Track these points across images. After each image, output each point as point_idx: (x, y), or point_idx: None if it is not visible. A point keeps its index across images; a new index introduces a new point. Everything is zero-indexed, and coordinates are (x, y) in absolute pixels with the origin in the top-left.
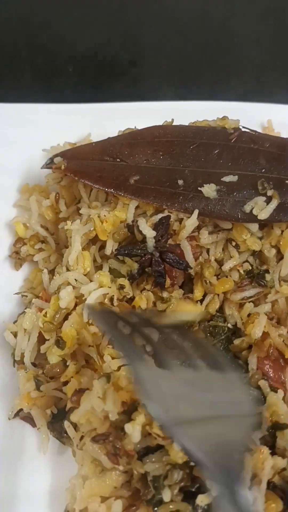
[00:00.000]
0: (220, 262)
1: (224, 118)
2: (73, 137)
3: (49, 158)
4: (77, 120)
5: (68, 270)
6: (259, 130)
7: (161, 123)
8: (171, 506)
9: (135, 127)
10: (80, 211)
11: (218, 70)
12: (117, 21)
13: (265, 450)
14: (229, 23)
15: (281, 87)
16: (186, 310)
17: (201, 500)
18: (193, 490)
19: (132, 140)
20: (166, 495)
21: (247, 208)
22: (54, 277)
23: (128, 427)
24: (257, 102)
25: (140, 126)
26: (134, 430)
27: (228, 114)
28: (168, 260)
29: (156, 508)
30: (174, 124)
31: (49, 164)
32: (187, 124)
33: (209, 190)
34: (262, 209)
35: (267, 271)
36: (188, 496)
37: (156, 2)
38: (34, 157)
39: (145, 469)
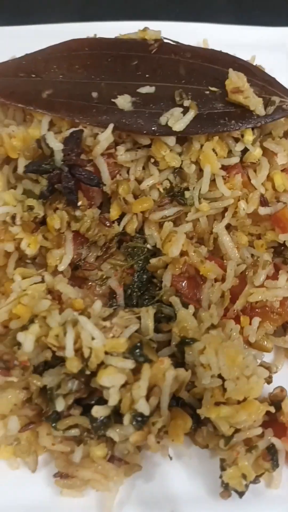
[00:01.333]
0: (140, 181)
1: (145, 29)
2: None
3: None
4: (4, 42)
5: None
6: None
7: None
8: (67, 421)
9: None
10: None
11: None
12: None
13: (166, 360)
14: None
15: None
16: None
17: (96, 411)
18: (92, 403)
19: (48, 55)
20: (60, 405)
21: (162, 120)
22: None
23: (20, 335)
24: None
25: None
26: (26, 339)
27: (166, 34)
28: (77, 175)
29: (54, 424)
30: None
31: None
32: None
33: (123, 101)
34: (178, 120)
35: (187, 188)
36: (87, 411)
37: None
38: None
39: (42, 382)
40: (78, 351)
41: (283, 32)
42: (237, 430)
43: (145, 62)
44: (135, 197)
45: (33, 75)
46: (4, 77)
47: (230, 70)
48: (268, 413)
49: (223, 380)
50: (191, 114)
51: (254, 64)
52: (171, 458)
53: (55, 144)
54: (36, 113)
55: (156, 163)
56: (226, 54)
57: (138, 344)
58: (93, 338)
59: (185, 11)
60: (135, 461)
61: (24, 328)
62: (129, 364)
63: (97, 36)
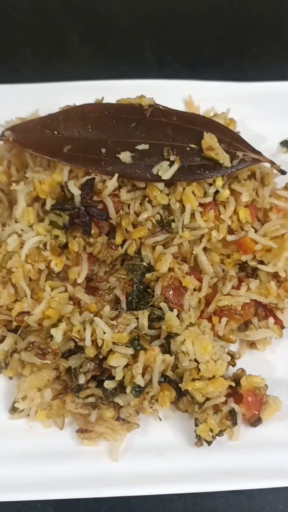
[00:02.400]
0: (138, 214)
1: (142, 96)
2: (24, 112)
3: (1, 131)
4: (28, 98)
5: (16, 222)
6: (182, 104)
7: (94, 99)
8: (87, 391)
9: (73, 103)
10: (26, 175)
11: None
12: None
13: (156, 349)
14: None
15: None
16: None
17: (107, 384)
18: (104, 378)
19: (67, 116)
20: (82, 379)
21: (154, 170)
22: (4, 228)
23: (52, 330)
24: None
25: (78, 101)
26: (56, 334)
27: (156, 90)
28: (91, 213)
29: (77, 394)
30: (104, 101)
31: (1, 136)
32: (114, 101)
33: (125, 156)
34: (166, 171)
35: (173, 220)
36: (100, 384)
37: None
38: None
39: (68, 364)
40: (94, 342)
41: (251, 87)
42: (207, 399)
43: (142, 124)
44: (134, 226)
45: (56, 132)
46: (33, 132)
47: (205, 133)
48: (230, 386)
49: (198, 363)
50: (175, 166)
51: (229, 115)
52: (160, 419)
53: (75, 190)
54: (59, 164)
55: (150, 201)
56: (203, 116)
57: (136, 337)
58: (104, 333)
59: (177, 69)
60: (135, 421)
61: (54, 325)
62: (130, 351)
63: (103, 98)
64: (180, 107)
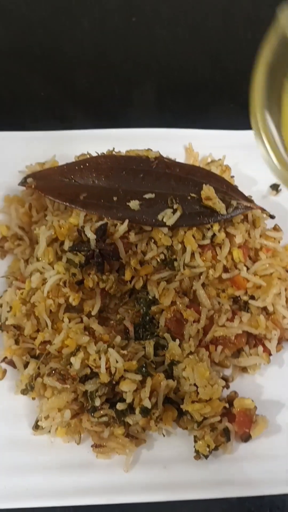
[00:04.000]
0: (144, 253)
1: (148, 150)
2: (43, 157)
3: (24, 178)
4: (46, 144)
5: (37, 260)
6: (182, 151)
7: (105, 148)
8: (101, 412)
9: (87, 152)
10: (46, 218)
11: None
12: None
13: (161, 375)
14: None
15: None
16: None
17: (119, 406)
18: (116, 401)
19: (82, 166)
20: (97, 402)
21: (159, 217)
22: (27, 265)
23: (72, 359)
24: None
25: (91, 149)
26: (75, 362)
27: (160, 138)
28: (105, 254)
29: (92, 414)
30: (114, 148)
31: (24, 182)
32: (123, 147)
33: (134, 204)
34: (170, 218)
35: (175, 259)
36: (113, 406)
37: None
38: (14, 173)
39: (85, 388)
40: (108, 369)
41: (244, 135)
42: (205, 418)
43: (148, 175)
44: (141, 264)
45: (73, 180)
46: (52, 180)
47: (204, 185)
48: (224, 407)
49: (197, 387)
50: (178, 214)
51: (225, 161)
52: (164, 435)
53: (91, 234)
54: (76, 209)
55: (155, 242)
56: (202, 168)
57: (144, 364)
58: (117, 361)
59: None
60: (142, 437)
61: (73, 353)
62: (139, 377)
63: (114, 148)
64: (181, 151)
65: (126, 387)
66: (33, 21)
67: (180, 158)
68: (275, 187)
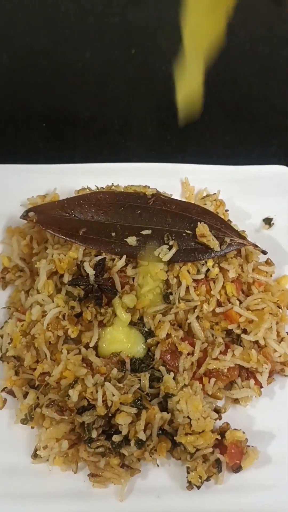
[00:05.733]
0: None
1: (146, 186)
2: (44, 190)
3: (25, 211)
4: (47, 177)
5: (38, 293)
6: (179, 184)
7: (104, 181)
8: (98, 443)
9: (87, 186)
10: (47, 251)
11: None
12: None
13: (156, 407)
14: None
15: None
16: None
17: (115, 437)
18: (112, 433)
19: (82, 201)
20: (94, 434)
21: (156, 253)
22: (28, 297)
23: (70, 391)
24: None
25: (91, 181)
26: (73, 394)
27: (158, 172)
28: (103, 289)
29: (89, 444)
30: (113, 183)
31: (25, 216)
32: (122, 181)
33: (131, 240)
34: (166, 254)
35: (171, 293)
36: (109, 437)
37: None
38: (15, 205)
39: (82, 419)
40: (104, 401)
41: (238, 170)
42: (197, 450)
43: (145, 212)
44: (138, 297)
45: (73, 215)
46: (52, 214)
47: (199, 223)
48: (217, 439)
49: (190, 419)
50: (173, 250)
51: (219, 195)
52: (158, 466)
53: (90, 270)
54: (75, 244)
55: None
56: (197, 205)
57: (139, 397)
58: (113, 395)
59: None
60: (137, 467)
61: (71, 385)
62: (134, 410)
63: (113, 184)
64: (177, 185)
65: (122, 420)
66: (36, 51)
67: (177, 191)
68: (268, 221)
